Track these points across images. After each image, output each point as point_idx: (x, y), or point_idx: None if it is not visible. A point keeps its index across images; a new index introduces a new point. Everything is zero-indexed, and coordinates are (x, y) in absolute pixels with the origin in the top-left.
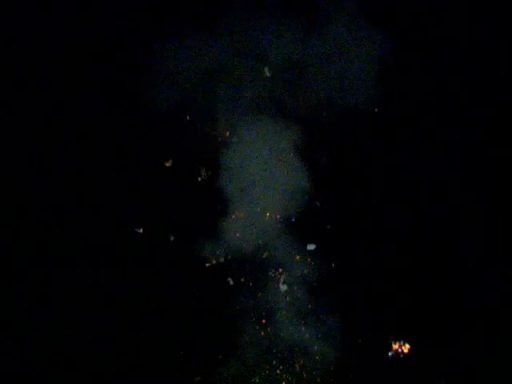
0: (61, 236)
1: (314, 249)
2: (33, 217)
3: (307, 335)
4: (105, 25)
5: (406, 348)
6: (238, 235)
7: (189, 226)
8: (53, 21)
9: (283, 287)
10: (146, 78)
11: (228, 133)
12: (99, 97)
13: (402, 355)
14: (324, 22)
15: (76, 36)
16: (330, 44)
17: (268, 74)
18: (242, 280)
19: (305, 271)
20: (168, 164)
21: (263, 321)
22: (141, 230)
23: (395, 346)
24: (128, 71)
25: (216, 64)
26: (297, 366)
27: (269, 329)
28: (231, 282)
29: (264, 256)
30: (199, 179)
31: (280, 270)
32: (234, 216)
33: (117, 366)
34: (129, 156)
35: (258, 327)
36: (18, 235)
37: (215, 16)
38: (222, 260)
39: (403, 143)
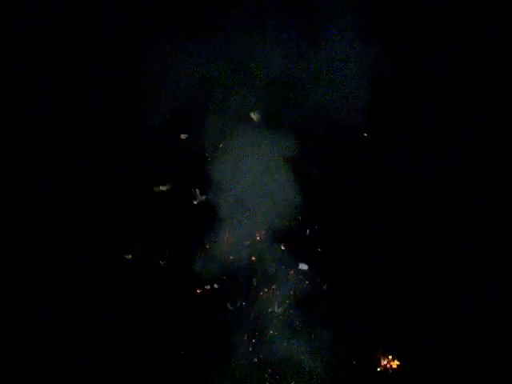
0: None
1: (307, 268)
2: (33, 217)
3: (298, 353)
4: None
5: (395, 363)
6: (230, 256)
7: (180, 249)
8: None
9: (278, 309)
10: (138, 86)
11: (221, 144)
12: (94, 110)
13: (391, 370)
14: (319, 32)
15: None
16: (324, 55)
17: (255, 119)
18: (236, 301)
19: (296, 288)
20: (164, 188)
21: (254, 338)
22: (130, 256)
23: (384, 362)
24: (118, 82)
25: (208, 74)
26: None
27: (260, 346)
28: (229, 306)
29: (257, 275)
30: (195, 202)
31: (274, 287)
32: (226, 237)
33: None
34: (119, 179)
35: (249, 345)
36: (18, 235)
37: (209, 25)
38: (215, 284)
39: (403, 143)
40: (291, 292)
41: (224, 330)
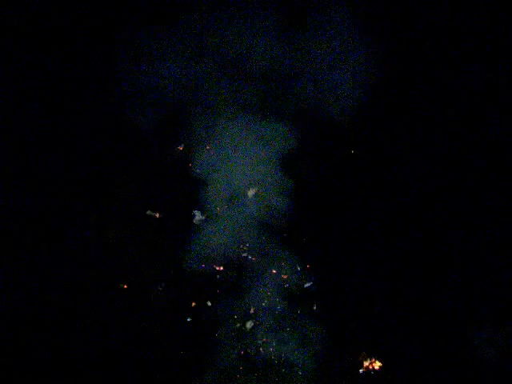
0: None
1: (310, 285)
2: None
3: (286, 351)
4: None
5: (377, 365)
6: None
7: (176, 273)
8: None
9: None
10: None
11: (208, 146)
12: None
13: (373, 372)
14: (312, 30)
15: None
16: (317, 51)
17: (250, 196)
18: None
19: (286, 288)
20: (156, 215)
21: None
22: (125, 286)
23: (366, 363)
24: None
25: (202, 73)
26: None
27: (248, 343)
28: (209, 303)
29: (248, 272)
30: (194, 221)
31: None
32: (217, 233)
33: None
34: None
35: (237, 344)
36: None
37: (203, 24)
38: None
39: (403, 143)
40: (281, 289)
41: (212, 328)
